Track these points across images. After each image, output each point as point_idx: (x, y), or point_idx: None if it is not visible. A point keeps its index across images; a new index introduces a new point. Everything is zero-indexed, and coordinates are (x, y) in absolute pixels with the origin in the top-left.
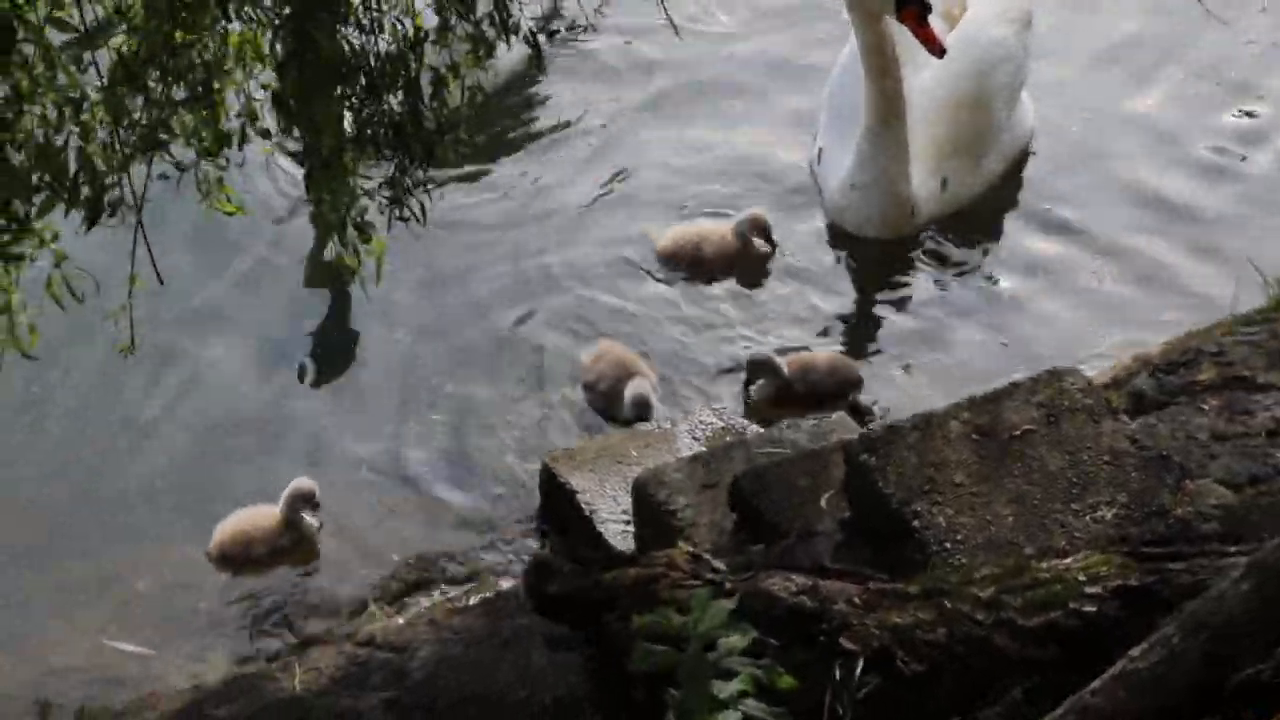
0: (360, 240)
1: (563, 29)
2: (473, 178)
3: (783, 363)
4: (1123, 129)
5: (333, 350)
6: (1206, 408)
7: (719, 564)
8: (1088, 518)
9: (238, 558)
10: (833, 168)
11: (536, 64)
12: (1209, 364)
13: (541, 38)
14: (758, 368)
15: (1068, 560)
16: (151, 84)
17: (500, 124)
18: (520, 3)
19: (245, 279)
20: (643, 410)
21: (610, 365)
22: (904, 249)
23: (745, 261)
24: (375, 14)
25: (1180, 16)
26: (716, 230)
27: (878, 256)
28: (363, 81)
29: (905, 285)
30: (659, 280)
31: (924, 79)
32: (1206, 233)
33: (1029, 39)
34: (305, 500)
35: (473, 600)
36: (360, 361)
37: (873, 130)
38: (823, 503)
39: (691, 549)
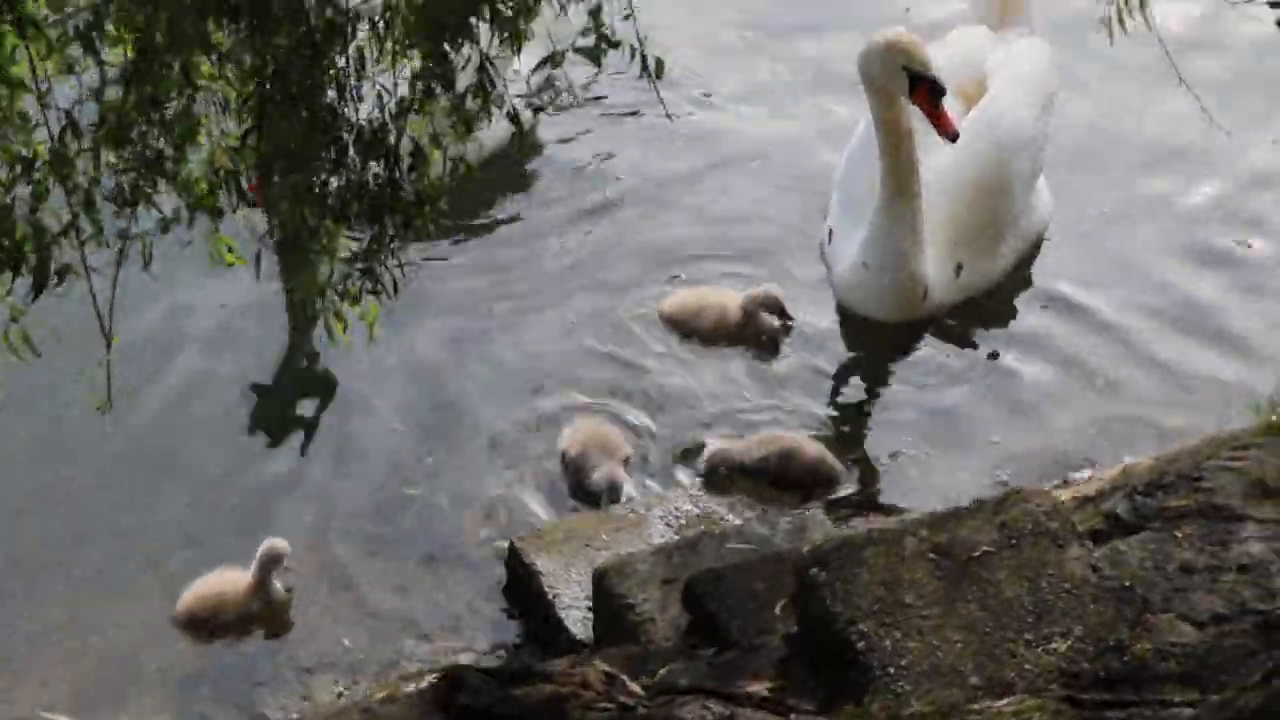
0: (349, 304)
1: (549, 105)
2: (461, 244)
3: (741, 454)
4: (1140, 215)
5: (310, 415)
6: (1180, 535)
7: (635, 687)
8: (1040, 649)
9: (206, 622)
10: (843, 248)
11: (519, 141)
12: (1187, 489)
13: (527, 113)
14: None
15: (1001, 703)
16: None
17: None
18: (504, 79)
19: (221, 336)
20: (615, 494)
21: (588, 445)
22: (912, 334)
23: (748, 337)
24: (357, 80)
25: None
26: (720, 300)
27: (885, 340)
28: (341, 148)
29: (907, 372)
30: (653, 346)
31: (942, 160)
32: (1218, 326)
33: (1050, 122)
34: (276, 562)
35: (417, 686)
36: (337, 427)
37: (886, 208)
38: (777, 610)
39: (607, 669)
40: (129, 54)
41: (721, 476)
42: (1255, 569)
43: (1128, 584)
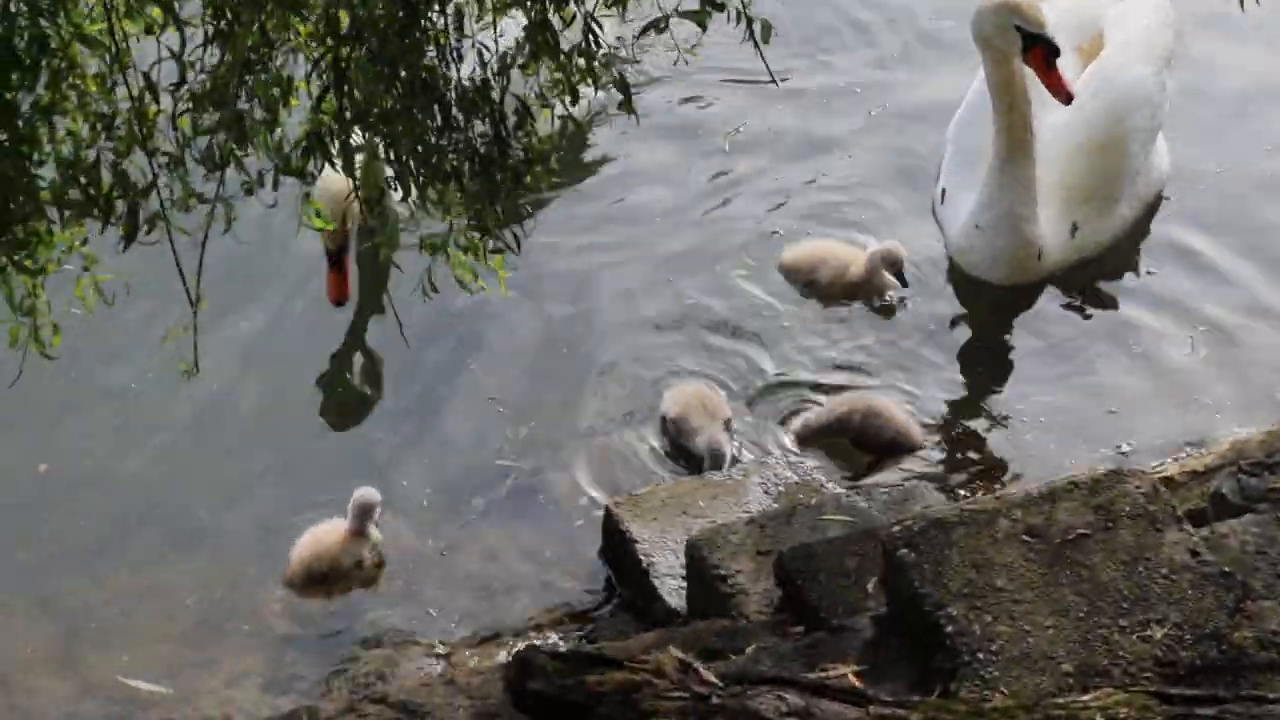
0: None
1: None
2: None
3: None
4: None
5: (400, 374)
6: None
7: (710, 676)
8: (1135, 636)
9: (324, 577)
10: (956, 208)
11: (628, 106)
12: None
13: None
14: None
15: (1087, 696)
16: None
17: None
18: (611, 48)
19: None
20: (717, 460)
21: (689, 408)
22: (1027, 296)
23: (867, 292)
24: (457, 39)
25: None
26: (842, 255)
27: (1000, 301)
28: (445, 107)
29: (1021, 336)
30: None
31: (1056, 119)
32: None
33: (1168, 79)
34: (369, 512)
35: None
36: (430, 386)
37: (999, 168)
38: (869, 588)
39: (681, 656)
40: (212, 13)
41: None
42: None
43: (1228, 569)
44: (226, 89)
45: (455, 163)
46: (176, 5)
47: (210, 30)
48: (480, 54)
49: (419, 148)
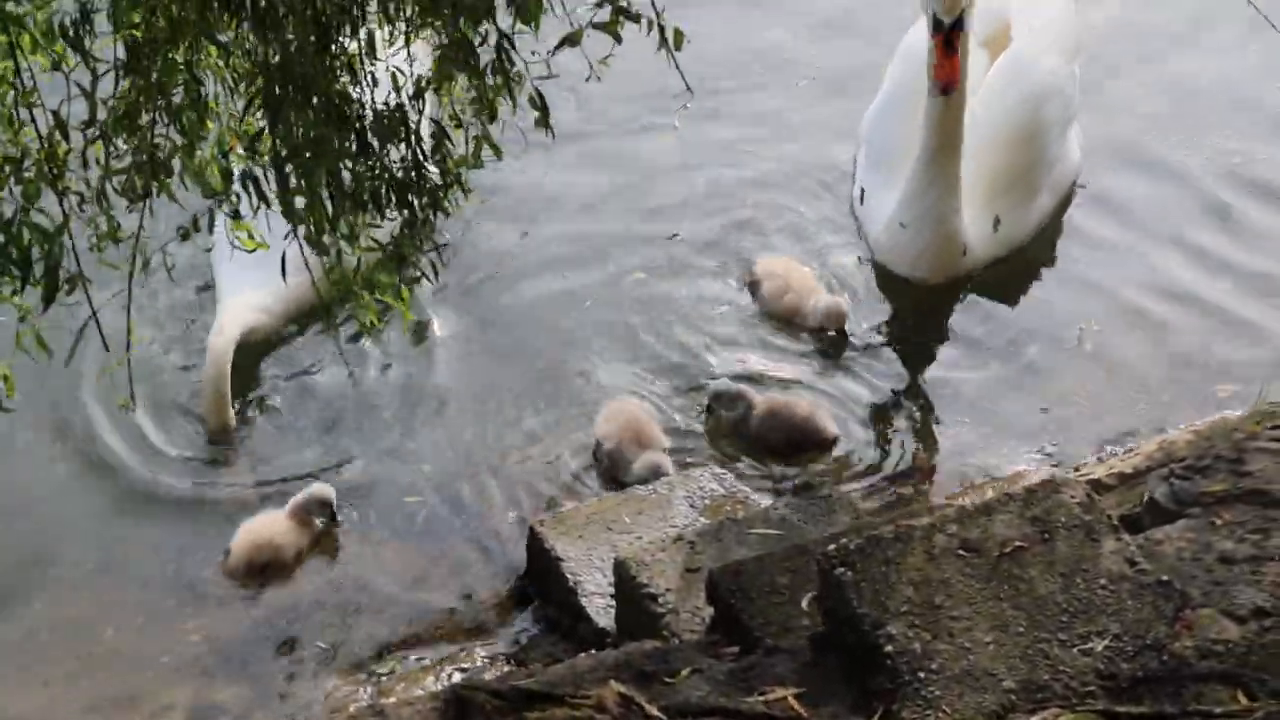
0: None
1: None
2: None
3: (750, 397)
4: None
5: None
6: (1219, 523)
7: (653, 710)
8: (1075, 649)
9: (264, 567)
10: (877, 207)
11: (544, 123)
12: (1227, 473)
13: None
14: (720, 400)
15: (1035, 718)
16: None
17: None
18: (525, 62)
19: None
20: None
21: (622, 436)
22: (951, 293)
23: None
24: (370, 63)
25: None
26: (797, 299)
27: (921, 300)
28: (360, 134)
29: (946, 333)
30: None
31: (974, 113)
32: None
33: (1078, 68)
34: (321, 507)
35: (435, 682)
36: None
37: (926, 165)
38: (803, 604)
39: (623, 690)
40: (126, 45)
41: (719, 417)
42: None
43: (1165, 578)
44: (139, 113)
45: (373, 188)
46: (86, 41)
47: (118, 66)
48: (395, 78)
49: (332, 177)
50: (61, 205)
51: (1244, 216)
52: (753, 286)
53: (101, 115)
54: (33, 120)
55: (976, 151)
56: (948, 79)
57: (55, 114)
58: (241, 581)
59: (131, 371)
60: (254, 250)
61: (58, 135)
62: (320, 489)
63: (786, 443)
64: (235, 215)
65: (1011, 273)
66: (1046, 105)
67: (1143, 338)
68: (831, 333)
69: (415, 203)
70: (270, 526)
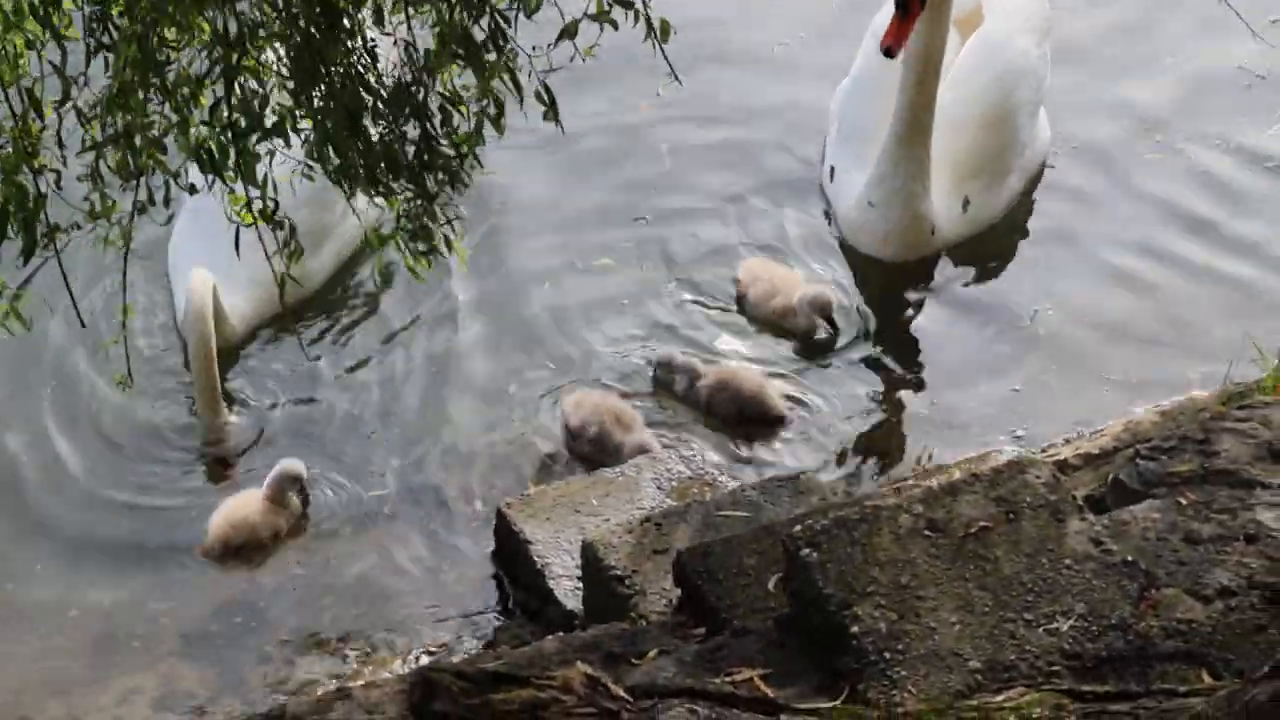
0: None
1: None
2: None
3: (696, 368)
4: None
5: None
6: (1185, 503)
7: (618, 690)
8: (1041, 629)
9: (240, 547)
10: (846, 186)
11: (553, 116)
12: (1193, 453)
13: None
14: (665, 368)
15: (999, 697)
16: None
17: None
18: (529, 55)
19: None
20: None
21: (595, 412)
22: (920, 273)
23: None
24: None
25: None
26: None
27: (889, 279)
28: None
29: (915, 313)
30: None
31: (944, 94)
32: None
33: (1048, 50)
34: (292, 482)
35: (402, 665)
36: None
37: (895, 143)
38: (770, 586)
39: (589, 671)
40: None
41: (666, 382)
42: (1263, 539)
43: (1131, 558)
44: (132, 92)
45: (395, 154)
46: (56, 20)
47: (92, 44)
48: (408, 51)
49: (359, 144)
50: (36, 183)
51: (1214, 201)
52: (740, 297)
53: (75, 94)
54: (6, 99)
55: (947, 131)
56: (890, 42)
57: (29, 92)
58: (218, 562)
59: (128, 349)
60: (251, 224)
61: (32, 114)
62: (289, 464)
63: (738, 415)
64: (192, 190)
65: (981, 253)
66: (1018, 87)
67: (1111, 319)
68: (823, 335)
69: (429, 179)
70: (246, 507)
